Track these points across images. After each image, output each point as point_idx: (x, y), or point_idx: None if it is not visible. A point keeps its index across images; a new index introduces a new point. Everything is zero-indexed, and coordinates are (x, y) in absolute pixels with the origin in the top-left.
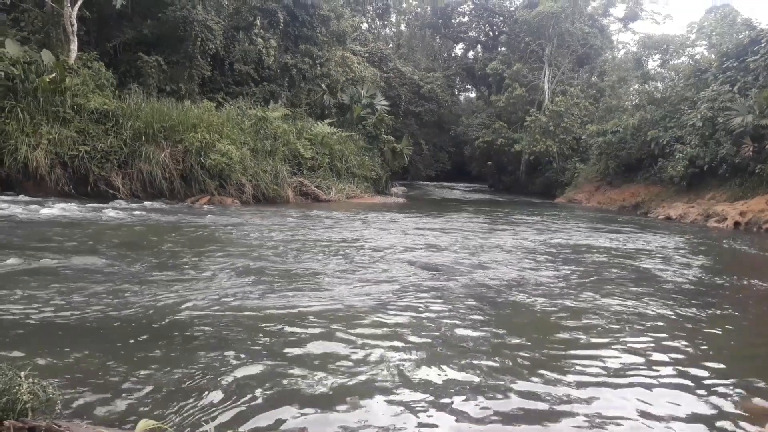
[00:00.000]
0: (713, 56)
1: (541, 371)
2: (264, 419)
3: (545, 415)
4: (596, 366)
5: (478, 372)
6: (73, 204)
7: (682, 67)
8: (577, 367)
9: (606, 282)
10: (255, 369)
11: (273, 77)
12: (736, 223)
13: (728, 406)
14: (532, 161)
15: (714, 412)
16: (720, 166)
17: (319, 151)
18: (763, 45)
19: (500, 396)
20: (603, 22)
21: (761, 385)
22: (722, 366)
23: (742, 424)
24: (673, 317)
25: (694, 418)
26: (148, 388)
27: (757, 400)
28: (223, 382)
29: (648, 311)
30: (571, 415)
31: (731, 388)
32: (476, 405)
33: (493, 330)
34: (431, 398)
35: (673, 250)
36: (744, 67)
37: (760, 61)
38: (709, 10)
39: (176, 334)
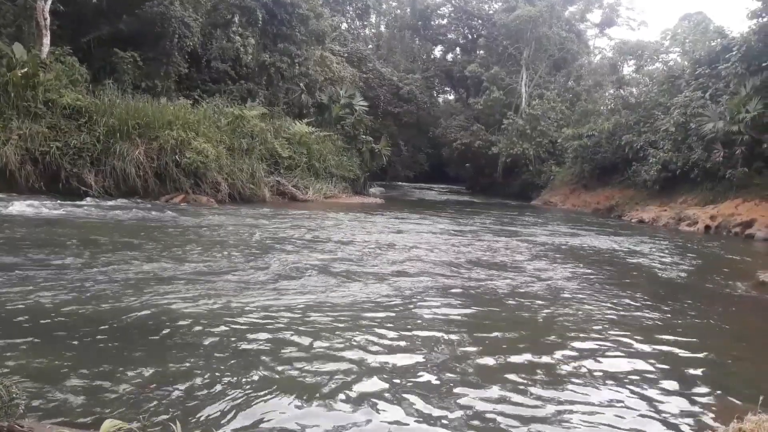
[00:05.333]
0: (686, 63)
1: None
2: (236, 421)
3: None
4: (576, 367)
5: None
6: (43, 201)
7: (656, 73)
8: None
9: (591, 283)
10: (229, 370)
11: (251, 75)
12: (707, 227)
13: (694, 405)
14: (509, 163)
15: (681, 409)
16: (692, 170)
17: (296, 151)
18: (734, 53)
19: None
20: (580, 27)
21: (729, 384)
22: (693, 365)
23: (707, 422)
24: (647, 317)
25: (662, 416)
26: (116, 388)
27: (725, 399)
28: (194, 383)
29: (622, 312)
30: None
31: (699, 386)
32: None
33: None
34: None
35: (649, 253)
36: (716, 74)
37: (731, 69)
38: (683, 17)
39: (147, 334)
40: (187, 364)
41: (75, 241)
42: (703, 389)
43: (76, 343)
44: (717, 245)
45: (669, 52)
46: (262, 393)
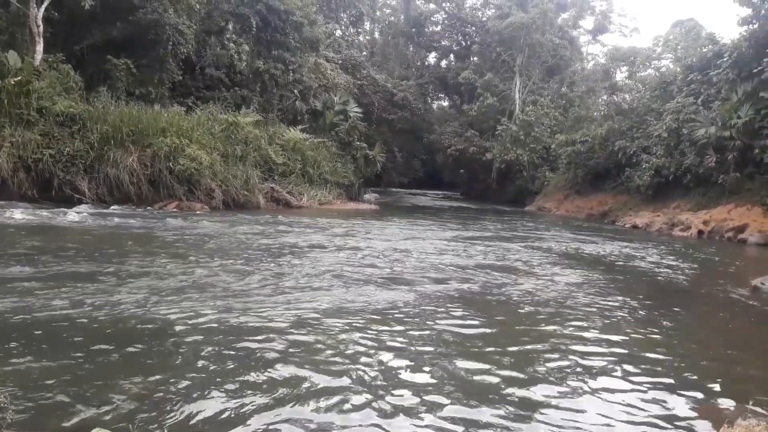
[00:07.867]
0: (678, 69)
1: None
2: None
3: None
4: (562, 369)
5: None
6: (33, 209)
7: (648, 79)
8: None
9: (597, 288)
10: (228, 380)
11: (245, 82)
12: (700, 232)
13: (685, 410)
14: (503, 169)
15: (671, 414)
16: (684, 176)
17: (291, 157)
18: (725, 59)
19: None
20: (573, 33)
21: (720, 388)
22: (683, 370)
23: (697, 427)
24: (642, 321)
25: (652, 421)
26: (109, 398)
27: (715, 404)
28: (193, 393)
29: (619, 318)
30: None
31: (690, 391)
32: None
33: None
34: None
35: (645, 258)
36: (707, 80)
37: (722, 75)
38: (675, 24)
39: (144, 343)
40: (186, 374)
41: (69, 250)
42: (694, 394)
43: (70, 352)
44: (710, 250)
45: (661, 59)
46: (260, 403)
